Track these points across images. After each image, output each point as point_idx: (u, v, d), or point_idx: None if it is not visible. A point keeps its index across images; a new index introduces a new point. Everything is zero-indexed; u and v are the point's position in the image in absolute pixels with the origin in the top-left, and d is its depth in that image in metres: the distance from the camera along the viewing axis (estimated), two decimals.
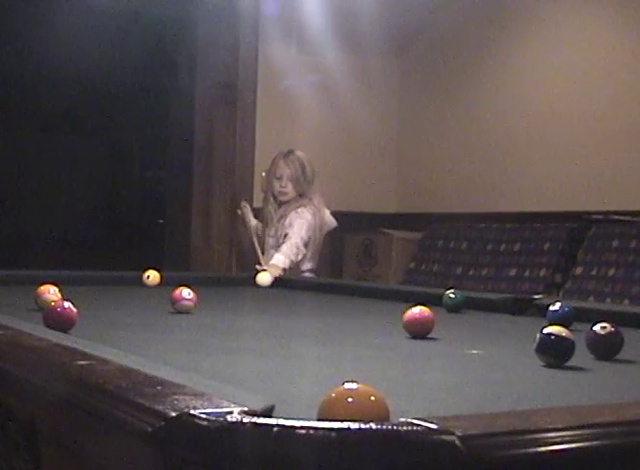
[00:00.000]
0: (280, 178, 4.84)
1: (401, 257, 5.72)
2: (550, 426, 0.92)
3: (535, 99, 5.42)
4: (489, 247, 5.14)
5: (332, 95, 6.06)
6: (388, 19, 5.97)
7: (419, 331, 2.10)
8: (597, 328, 1.80)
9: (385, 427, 0.83)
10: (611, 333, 1.76)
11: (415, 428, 0.84)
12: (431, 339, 2.11)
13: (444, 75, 6.04)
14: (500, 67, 5.69)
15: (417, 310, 2.11)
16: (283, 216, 4.85)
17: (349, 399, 1.01)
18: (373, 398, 1.02)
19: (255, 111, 5.82)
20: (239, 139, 5.80)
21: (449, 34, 6.02)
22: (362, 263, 5.85)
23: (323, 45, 5.90)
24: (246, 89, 5.79)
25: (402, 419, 0.87)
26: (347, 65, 6.08)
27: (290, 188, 4.84)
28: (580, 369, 1.68)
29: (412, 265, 5.57)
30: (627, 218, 4.51)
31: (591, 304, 3.22)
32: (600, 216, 4.65)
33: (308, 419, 0.86)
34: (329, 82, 6.05)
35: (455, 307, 2.82)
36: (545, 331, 1.70)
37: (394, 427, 0.83)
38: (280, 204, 4.89)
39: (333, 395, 1.02)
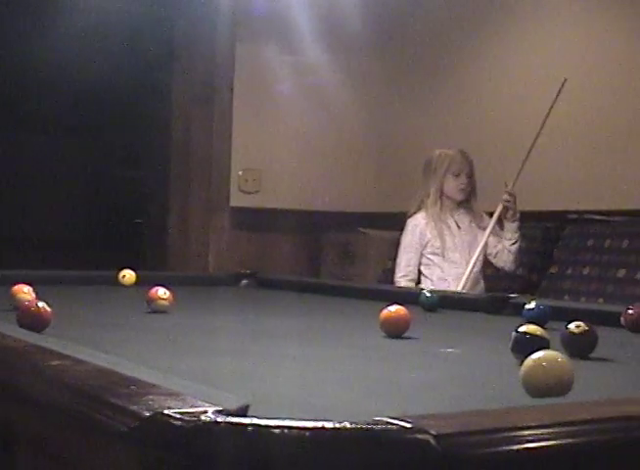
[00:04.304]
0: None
1: (379, 256, 5.72)
2: (525, 424, 0.92)
3: (514, 98, 5.43)
4: None
5: (311, 94, 6.05)
6: (368, 19, 5.98)
7: (395, 330, 2.10)
8: (572, 327, 1.81)
9: (359, 426, 0.83)
10: (585, 331, 1.78)
11: (390, 427, 0.84)
12: (407, 338, 2.11)
13: (425, 75, 6.05)
14: (481, 66, 5.70)
15: (393, 310, 2.12)
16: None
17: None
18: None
19: (232, 110, 5.81)
20: (216, 139, 5.79)
21: (430, 34, 6.02)
22: (340, 263, 5.85)
23: (304, 44, 5.89)
24: (223, 88, 5.77)
25: (377, 418, 0.87)
26: (327, 64, 6.07)
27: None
28: None
29: (390, 265, 5.57)
30: (602, 218, 4.53)
31: (566, 302, 3.23)
32: (575, 216, 4.68)
33: (284, 418, 0.86)
34: (308, 82, 6.05)
35: (431, 306, 2.83)
36: (520, 330, 1.71)
37: (369, 426, 0.83)
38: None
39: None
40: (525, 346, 1.69)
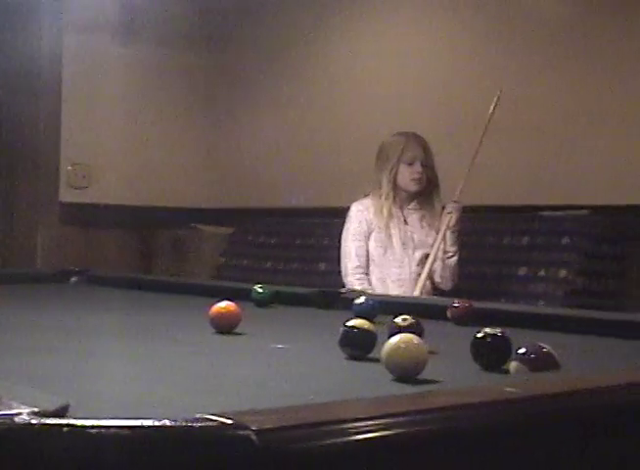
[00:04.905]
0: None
1: (212, 252, 5.69)
2: (348, 417, 0.92)
3: (348, 93, 5.50)
4: (298, 241, 5.20)
5: (142, 89, 5.97)
6: (198, 12, 5.94)
7: (224, 326, 2.09)
8: (398, 320, 1.84)
9: (179, 423, 0.82)
10: (411, 324, 1.81)
11: (210, 423, 0.83)
12: (237, 334, 2.10)
13: (256, 69, 6.05)
14: (314, 61, 5.75)
15: (223, 305, 2.11)
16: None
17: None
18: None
19: (61, 103, 5.67)
20: (44, 133, 5.64)
21: (262, 28, 6.03)
22: (173, 259, 5.79)
23: (135, 36, 5.80)
24: (50, 81, 5.62)
25: (198, 415, 0.85)
26: (158, 57, 6.00)
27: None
28: None
29: (222, 260, 5.56)
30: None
31: (394, 297, 3.29)
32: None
33: (104, 418, 0.84)
34: (139, 75, 5.96)
35: (263, 302, 2.82)
36: (347, 324, 1.72)
37: (188, 423, 0.82)
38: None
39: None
40: (353, 340, 1.72)
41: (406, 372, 1.48)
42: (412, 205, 4.07)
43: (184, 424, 0.82)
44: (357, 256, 4.02)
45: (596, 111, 4.52)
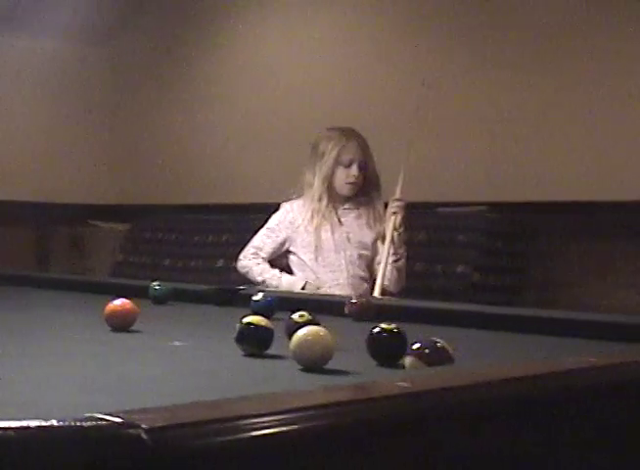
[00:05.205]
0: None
1: (110, 249, 5.63)
2: (242, 414, 0.92)
3: (247, 92, 5.49)
4: (197, 238, 5.17)
5: (36, 82, 5.86)
6: (95, 3, 5.86)
7: (120, 324, 2.06)
8: (295, 316, 1.85)
9: (67, 424, 0.80)
10: (308, 321, 1.81)
11: (100, 423, 0.81)
12: (134, 332, 2.08)
13: (155, 62, 5.99)
14: (216, 53, 5.72)
15: (119, 303, 2.08)
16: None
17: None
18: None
19: None
20: None
21: (159, 21, 5.98)
22: (70, 256, 5.71)
23: (33, 29, 5.70)
24: None
25: (88, 414, 0.84)
26: (55, 50, 5.90)
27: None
28: (279, 357, 1.71)
29: (120, 258, 5.50)
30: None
31: (293, 293, 3.30)
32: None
33: None
34: (33, 68, 5.85)
35: (161, 299, 2.80)
36: (244, 321, 1.72)
37: (77, 423, 0.80)
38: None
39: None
40: (249, 336, 1.72)
41: (314, 363, 1.53)
42: (347, 205, 3.86)
43: (72, 424, 0.80)
44: (256, 247, 3.85)
45: (498, 109, 4.60)
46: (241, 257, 3.88)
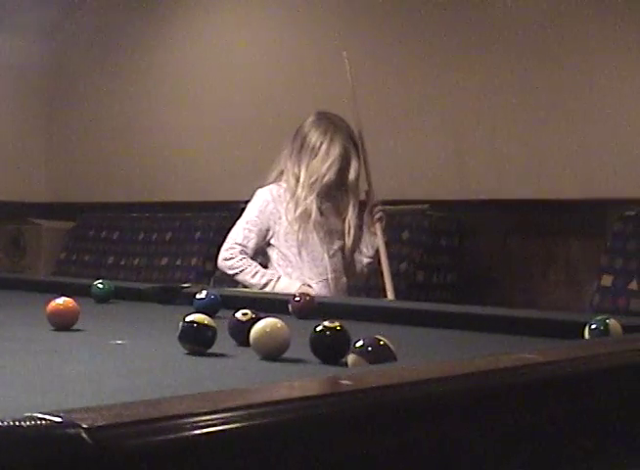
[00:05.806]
0: None
1: (52, 247, 5.57)
2: (182, 413, 0.92)
3: (196, 83, 5.47)
4: (141, 236, 5.15)
5: None
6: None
7: (62, 322, 2.05)
8: (238, 315, 1.85)
9: (5, 423, 0.79)
10: (251, 319, 1.81)
11: (39, 423, 0.81)
12: (75, 330, 2.06)
13: (93, 58, 5.94)
14: (154, 56, 5.69)
15: (60, 301, 2.07)
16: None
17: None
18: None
19: None
20: None
21: (102, 16, 5.93)
22: (10, 254, 5.64)
23: None
24: None
25: (27, 414, 0.83)
26: (2, 48, 5.82)
27: None
28: (222, 355, 1.71)
29: (63, 256, 5.45)
30: None
31: (239, 291, 3.29)
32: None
33: None
34: None
35: (103, 298, 2.78)
36: (187, 319, 1.72)
37: (15, 422, 0.79)
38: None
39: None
40: (192, 335, 1.71)
41: (272, 353, 1.66)
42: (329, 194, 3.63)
43: (10, 424, 0.79)
44: (244, 243, 3.53)
45: (437, 108, 4.63)
46: (227, 255, 3.54)
